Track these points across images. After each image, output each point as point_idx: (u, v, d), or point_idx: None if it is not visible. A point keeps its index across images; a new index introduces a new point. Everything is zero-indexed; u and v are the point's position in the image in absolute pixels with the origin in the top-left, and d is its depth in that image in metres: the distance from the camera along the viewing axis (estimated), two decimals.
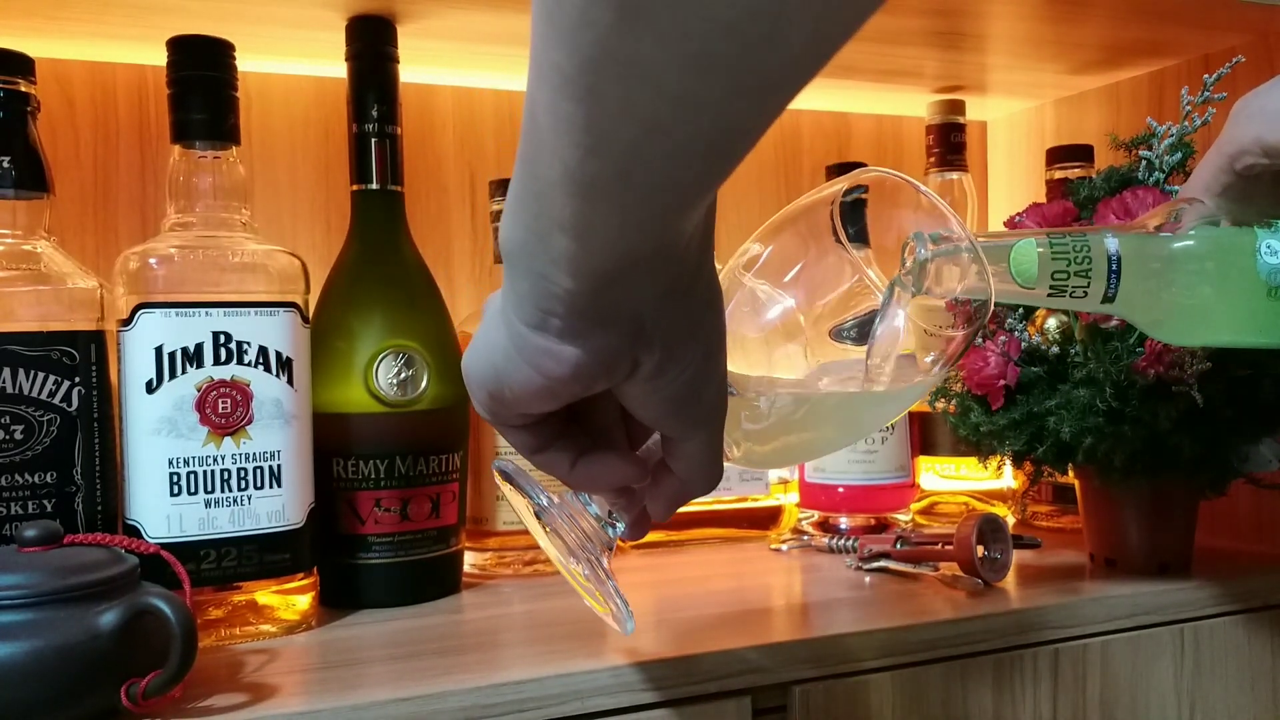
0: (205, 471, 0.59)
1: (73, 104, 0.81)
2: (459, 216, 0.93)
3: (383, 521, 0.67)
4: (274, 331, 0.61)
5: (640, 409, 0.37)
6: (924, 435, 0.91)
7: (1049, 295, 0.50)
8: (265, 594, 0.61)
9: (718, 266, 0.37)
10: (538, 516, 0.44)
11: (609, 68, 0.25)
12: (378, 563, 0.67)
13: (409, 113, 0.86)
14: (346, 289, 0.70)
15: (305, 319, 0.63)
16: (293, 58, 0.83)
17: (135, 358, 0.59)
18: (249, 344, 0.60)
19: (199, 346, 0.59)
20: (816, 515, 0.87)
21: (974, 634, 0.61)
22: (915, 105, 1.04)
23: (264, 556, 0.61)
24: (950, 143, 0.95)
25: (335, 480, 0.67)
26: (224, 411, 0.60)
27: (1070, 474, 0.73)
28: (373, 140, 0.70)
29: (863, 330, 0.47)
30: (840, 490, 0.86)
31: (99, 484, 0.59)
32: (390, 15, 0.71)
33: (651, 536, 0.82)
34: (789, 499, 0.88)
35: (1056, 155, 0.93)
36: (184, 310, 0.59)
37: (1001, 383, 0.67)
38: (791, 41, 0.24)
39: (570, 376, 0.34)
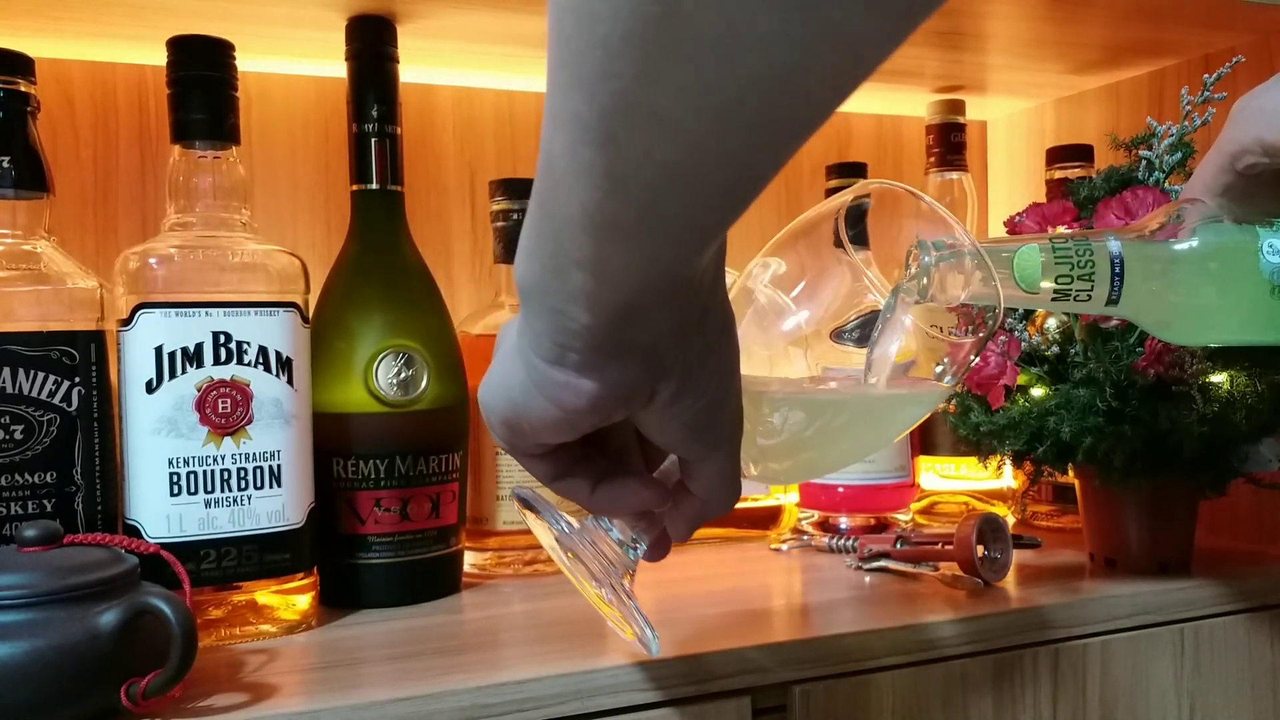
0: (205, 471, 0.59)
1: (73, 104, 0.81)
2: (459, 216, 0.93)
3: (383, 521, 0.67)
4: (274, 331, 0.61)
5: (658, 435, 0.37)
6: (924, 435, 0.91)
7: (1053, 299, 0.50)
8: (265, 594, 0.61)
9: (728, 279, 0.37)
10: (559, 543, 0.44)
11: (630, 118, 0.25)
12: (378, 563, 0.67)
13: (409, 113, 0.86)
14: (346, 289, 0.70)
15: (305, 319, 0.63)
16: (293, 57, 0.83)
17: (135, 358, 0.59)
18: (249, 344, 0.60)
19: (199, 346, 0.59)
20: (816, 515, 0.87)
21: (974, 634, 0.61)
22: (915, 105, 1.04)
23: (264, 556, 0.61)
24: (950, 142, 0.95)
25: (335, 480, 0.67)
26: (224, 411, 0.60)
27: (1070, 474, 0.73)
28: (373, 140, 0.70)
29: (864, 331, 0.47)
30: (840, 490, 0.86)
31: (99, 484, 0.59)
32: (390, 15, 0.71)
33: None
34: (789, 499, 0.88)
35: (1056, 155, 0.93)
36: (184, 310, 0.59)
37: (1001, 382, 0.67)
38: (811, 92, 0.24)
39: (589, 409, 0.34)
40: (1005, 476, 0.89)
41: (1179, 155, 0.67)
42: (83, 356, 0.58)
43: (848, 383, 0.47)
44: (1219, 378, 0.64)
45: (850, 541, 0.78)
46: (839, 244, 0.45)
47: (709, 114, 0.24)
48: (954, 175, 0.95)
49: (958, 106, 0.96)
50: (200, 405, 0.59)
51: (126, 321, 0.59)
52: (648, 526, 0.44)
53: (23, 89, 0.58)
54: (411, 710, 0.49)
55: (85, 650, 0.46)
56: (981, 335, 0.46)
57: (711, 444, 0.37)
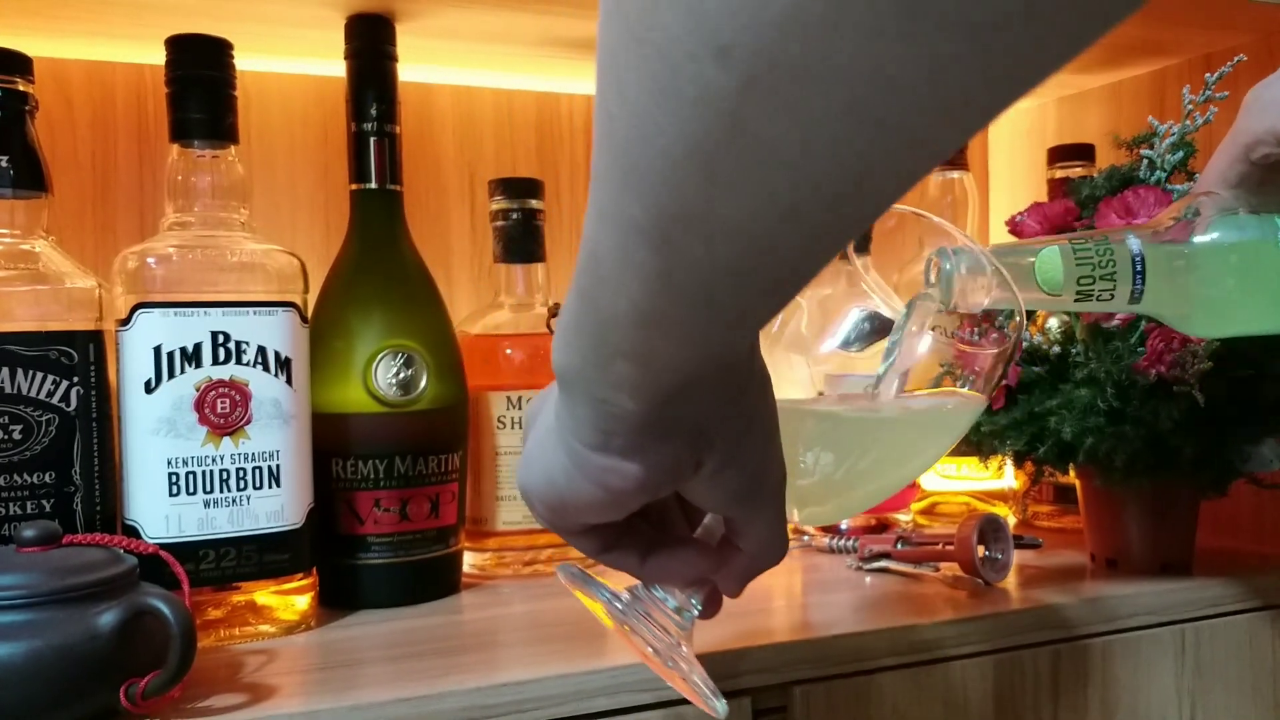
0: (204, 472, 0.59)
1: (71, 103, 0.81)
2: (458, 216, 0.93)
3: (382, 522, 0.67)
4: (273, 331, 0.61)
5: (704, 502, 0.37)
6: None
7: (1076, 300, 0.50)
8: (264, 594, 0.61)
9: None
10: (612, 618, 0.43)
11: (689, 223, 0.24)
12: (377, 563, 0.67)
13: (408, 112, 0.85)
14: (345, 288, 0.70)
15: (304, 319, 0.63)
16: (292, 56, 0.83)
17: (134, 357, 0.58)
18: (248, 344, 0.60)
19: (197, 346, 0.59)
20: None
21: (975, 634, 0.61)
22: None
23: (263, 557, 0.61)
24: None
25: (334, 480, 0.67)
26: (223, 411, 0.59)
27: (1071, 474, 0.73)
28: (372, 139, 0.69)
29: (865, 335, 0.47)
30: None
31: (98, 484, 0.59)
32: (389, 14, 0.71)
33: None
34: None
35: (1058, 154, 0.93)
36: (182, 310, 0.59)
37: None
38: (882, 191, 0.23)
39: (636, 490, 0.34)
40: (1006, 477, 0.89)
41: (1180, 154, 0.66)
42: (81, 356, 0.58)
43: (881, 403, 0.46)
44: (1220, 378, 0.64)
45: (851, 542, 0.77)
46: (844, 257, 0.45)
47: (774, 218, 0.23)
48: (955, 174, 0.95)
49: None
50: (199, 405, 0.59)
51: (125, 321, 0.59)
52: (699, 586, 0.43)
53: (21, 88, 0.58)
54: (411, 711, 0.49)
55: (84, 651, 0.46)
56: (1010, 340, 0.46)
57: (758, 504, 0.37)
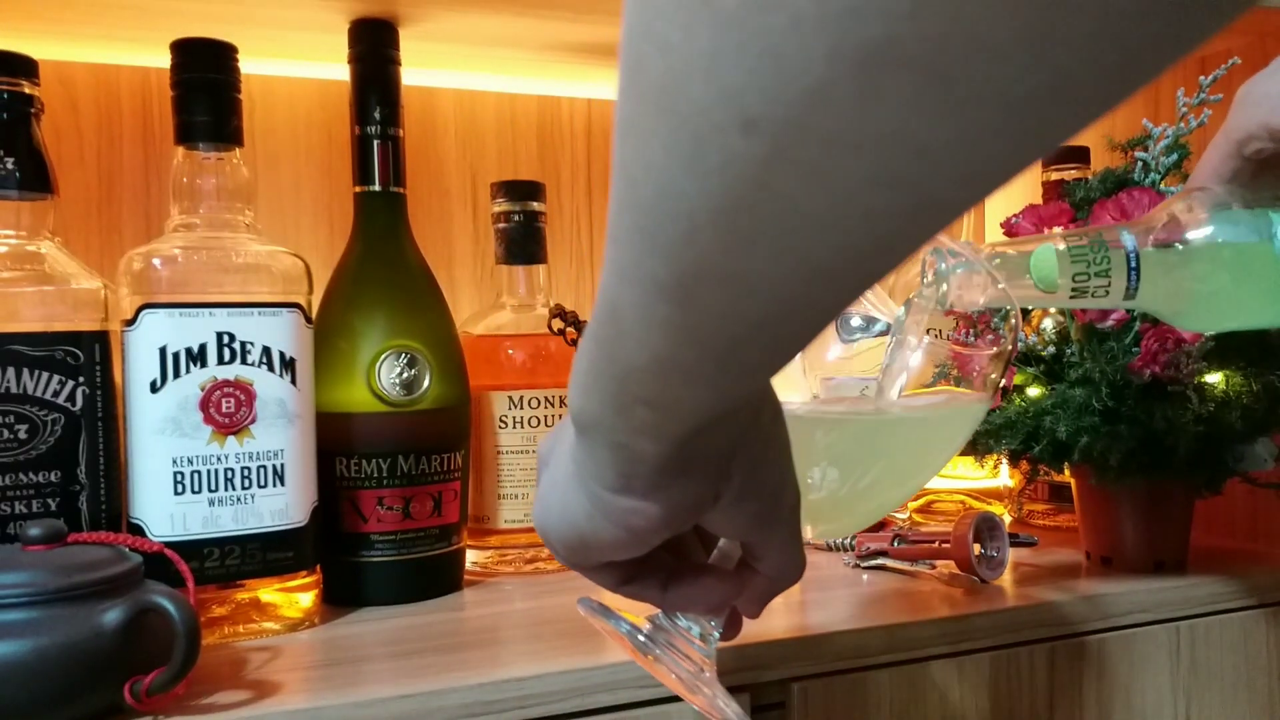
0: (209, 471, 0.60)
1: (77, 106, 0.81)
2: (461, 218, 0.94)
3: (385, 520, 0.67)
4: (277, 332, 0.62)
5: (723, 530, 0.38)
6: None
7: (1071, 297, 0.50)
8: (268, 592, 0.61)
9: None
10: (636, 649, 0.43)
11: (714, 282, 0.24)
12: (380, 561, 0.67)
13: (411, 115, 0.86)
14: (349, 289, 0.70)
15: (308, 319, 0.64)
16: (295, 60, 0.83)
17: (139, 358, 0.59)
18: (252, 344, 0.61)
19: (203, 347, 0.60)
20: None
21: (971, 631, 0.62)
22: None
23: (267, 555, 0.61)
24: None
25: (338, 479, 0.67)
26: (228, 411, 0.60)
27: (1066, 473, 0.73)
28: (375, 142, 0.70)
29: (856, 334, 0.47)
30: None
31: (103, 483, 0.59)
32: (392, 18, 0.72)
33: None
34: None
35: (1052, 156, 0.93)
36: (188, 310, 0.59)
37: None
38: (905, 247, 0.23)
39: (659, 528, 0.34)
40: (1002, 475, 0.89)
41: (1175, 157, 0.67)
42: (87, 356, 0.59)
43: (885, 405, 0.46)
44: (1214, 377, 0.65)
45: (848, 540, 0.78)
46: None
47: (800, 278, 0.23)
48: None
49: None
50: (204, 405, 0.59)
51: (131, 322, 0.59)
52: (720, 611, 0.43)
53: (26, 90, 0.59)
54: (413, 707, 0.49)
55: (89, 648, 0.46)
56: (1008, 340, 0.46)
57: (776, 528, 0.37)
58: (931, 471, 0.55)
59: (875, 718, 0.59)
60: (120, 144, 0.83)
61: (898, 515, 0.87)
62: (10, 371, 0.56)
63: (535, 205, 0.78)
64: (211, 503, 0.60)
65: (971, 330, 0.65)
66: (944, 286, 0.46)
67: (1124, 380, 0.64)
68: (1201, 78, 0.65)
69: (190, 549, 0.58)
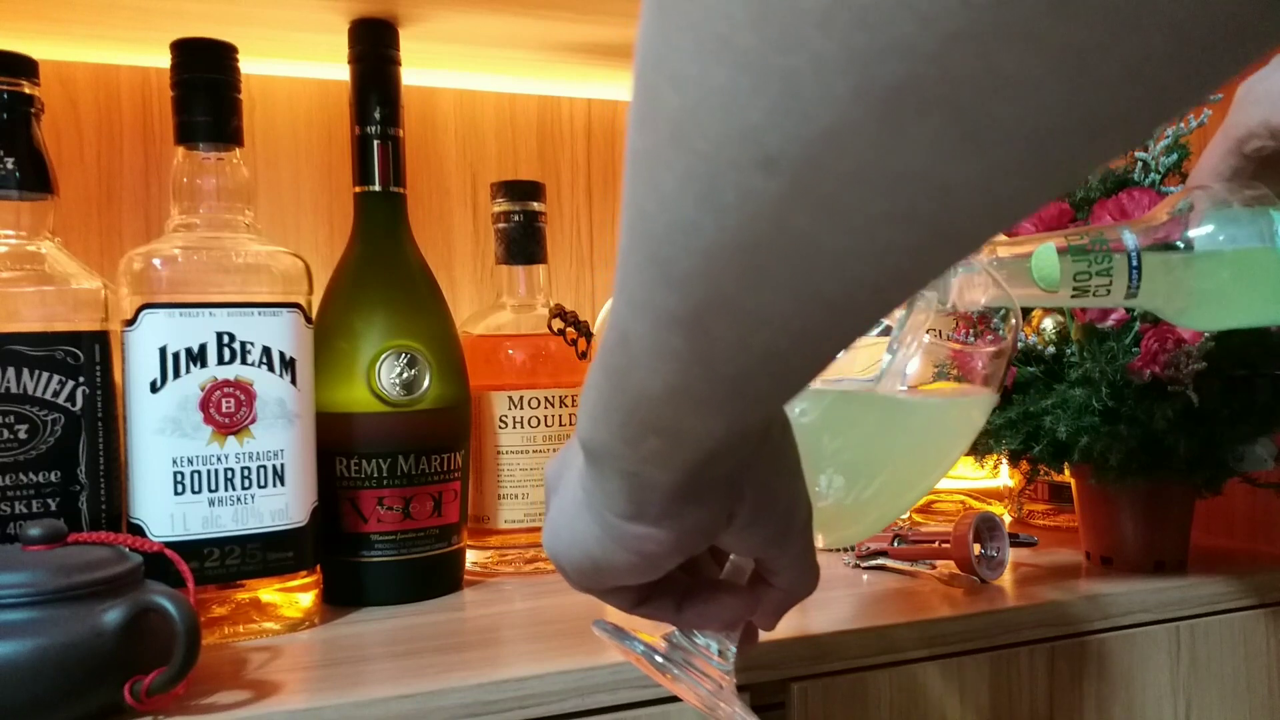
0: (209, 471, 0.60)
1: (77, 105, 0.82)
2: (461, 218, 0.94)
3: (385, 520, 0.67)
4: (277, 332, 0.62)
5: (737, 549, 0.38)
6: None
7: (1073, 296, 0.50)
8: (268, 592, 0.61)
9: None
10: (653, 669, 0.42)
11: (726, 314, 0.23)
12: (380, 561, 0.67)
13: (411, 115, 0.86)
14: (349, 289, 0.70)
15: (308, 319, 0.64)
16: (295, 60, 0.84)
17: (139, 358, 0.59)
18: (252, 344, 0.61)
19: (203, 347, 0.60)
20: None
21: (971, 631, 0.62)
22: None
23: (267, 555, 0.61)
24: None
25: (338, 479, 0.67)
26: (228, 411, 0.60)
27: (1066, 473, 0.73)
28: (375, 142, 0.70)
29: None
30: None
31: (103, 483, 0.59)
32: (392, 18, 0.72)
33: None
34: None
35: None
36: (188, 311, 0.59)
37: None
38: (920, 282, 0.23)
39: (673, 553, 0.34)
40: (1002, 475, 0.90)
41: (1175, 157, 0.67)
42: (87, 357, 0.59)
43: (850, 383, 0.46)
44: (1214, 378, 0.65)
45: None
46: None
47: (815, 311, 0.23)
48: None
49: None
50: (204, 405, 0.59)
51: (131, 322, 0.59)
52: (736, 626, 0.43)
53: (26, 90, 0.59)
54: (414, 707, 0.50)
55: (89, 648, 0.46)
56: (1008, 339, 0.46)
57: (789, 542, 0.37)
58: (942, 467, 0.55)
59: (875, 718, 0.59)
60: (120, 144, 0.83)
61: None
62: (10, 371, 0.56)
63: (535, 205, 0.78)
64: (211, 503, 0.60)
65: (971, 330, 0.65)
66: (945, 286, 0.46)
67: (1124, 380, 0.64)
68: None
69: (190, 549, 0.58)
